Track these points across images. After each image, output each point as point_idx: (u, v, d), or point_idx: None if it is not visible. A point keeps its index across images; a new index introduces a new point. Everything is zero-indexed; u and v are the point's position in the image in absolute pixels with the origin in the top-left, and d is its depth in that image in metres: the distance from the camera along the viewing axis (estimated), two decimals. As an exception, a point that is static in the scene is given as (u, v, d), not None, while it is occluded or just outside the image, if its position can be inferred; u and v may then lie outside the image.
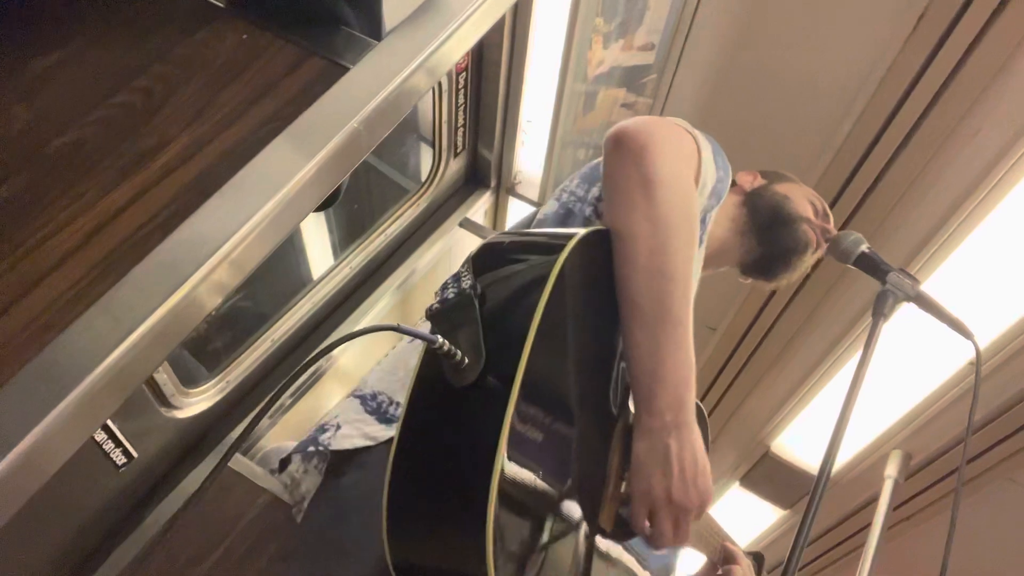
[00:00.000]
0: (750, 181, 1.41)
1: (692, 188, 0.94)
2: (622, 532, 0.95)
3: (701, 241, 1.19)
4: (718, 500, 3.14)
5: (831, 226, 1.38)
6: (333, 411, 1.14)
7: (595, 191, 1.16)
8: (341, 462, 1.08)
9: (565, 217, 1.15)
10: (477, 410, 0.73)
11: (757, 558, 1.40)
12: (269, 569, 1.49)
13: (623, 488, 0.93)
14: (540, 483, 0.78)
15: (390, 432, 1.03)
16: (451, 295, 0.79)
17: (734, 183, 1.40)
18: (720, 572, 1.26)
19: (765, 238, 1.32)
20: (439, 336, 0.72)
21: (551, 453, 0.80)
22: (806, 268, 1.39)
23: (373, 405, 1.10)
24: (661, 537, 0.89)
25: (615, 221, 0.90)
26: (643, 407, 0.88)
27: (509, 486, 0.70)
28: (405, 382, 0.98)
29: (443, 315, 0.78)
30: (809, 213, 1.36)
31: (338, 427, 1.08)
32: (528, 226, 1.24)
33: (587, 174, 1.22)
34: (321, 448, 1.07)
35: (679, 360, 0.86)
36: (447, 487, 0.73)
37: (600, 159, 1.12)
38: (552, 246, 0.81)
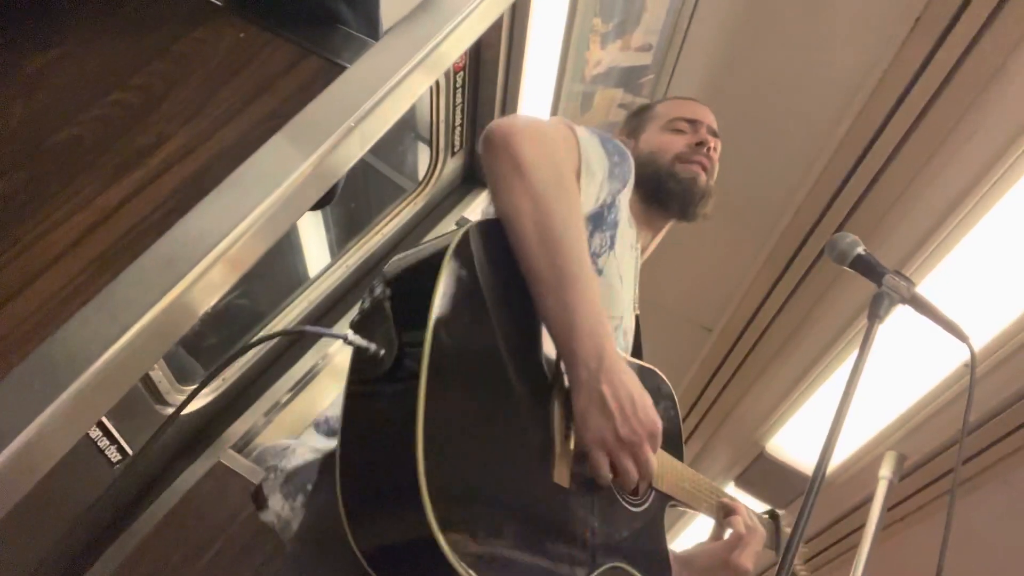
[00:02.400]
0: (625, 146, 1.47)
1: (562, 162, 1.03)
2: (587, 487, 0.99)
3: (618, 222, 1.24)
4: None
5: (700, 132, 1.43)
6: (294, 445, 1.21)
7: None
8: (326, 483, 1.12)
9: None
10: (397, 390, 0.80)
11: (772, 515, 1.42)
12: (264, 566, 1.49)
13: (572, 444, 0.98)
14: (471, 446, 0.84)
15: (333, 443, 1.05)
16: (366, 304, 0.87)
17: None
18: (725, 524, 1.30)
19: (661, 199, 1.41)
20: (348, 332, 0.81)
21: (478, 417, 0.86)
22: (713, 187, 1.45)
23: (326, 428, 1.18)
24: (627, 475, 0.94)
25: (500, 207, 0.99)
26: (570, 363, 0.94)
27: (437, 451, 0.76)
28: None
29: (362, 323, 0.86)
30: (674, 147, 1.42)
31: (294, 451, 1.18)
32: None
33: None
34: (280, 471, 1.16)
35: (587, 311, 0.93)
36: (383, 466, 0.80)
37: None
38: (442, 243, 0.89)
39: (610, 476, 0.94)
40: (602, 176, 1.15)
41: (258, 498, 1.31)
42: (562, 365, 0.98)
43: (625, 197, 1.28)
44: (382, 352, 0.81)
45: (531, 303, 0.96)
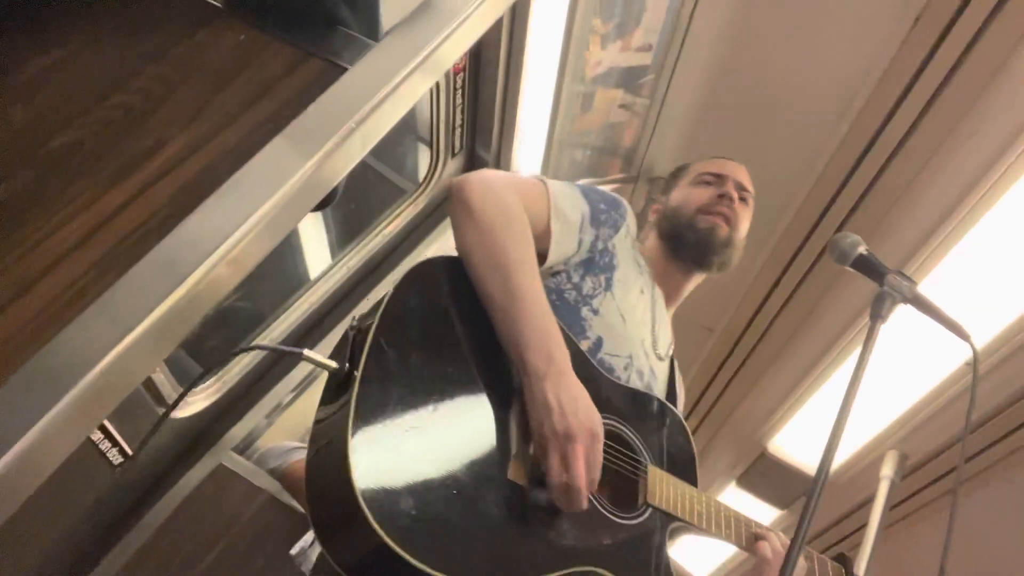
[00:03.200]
0: (655, 212, 1.58)
1: (507, 200, 1.15)
2: (542, 485, 1.03)
3: (615, 266, 1.34)
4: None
5: (725, 186, 1.49)
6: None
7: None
8: None
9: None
10: (341, 398, 0.92)
11: (841, 559, 1.43)
12: (266, 569, 1.49)
13: (531, 448, 1.04)
14: (409, 445, 0.93)
15: None
16: (349, 332, 1.00)
17: (648, 221, 1.59)
18: (753, 550, 1.31)
19: (683, 251, 1.48)
20: (305, 350, 0.94)
21: (417, 421, 0.95)
22: (740, 243, 1.51)
23: None
24: (572, 469, 0.98)
25: (457, 244, 1.13)
26: (522, 372, 1.04)
27: (370, 450, 0.87)
28: None
29: (337, 349, 1.01)
30: (698, 199, 1.49)
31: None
32: None
33: None
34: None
35: (535, 323, 1.04)
36: (328, 475, 0.88)
37: None
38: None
39: (559, 472, 0.99)
40: (579, 221, 1.28)
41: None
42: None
43: (625, 242, 1.38)
44: (334, 366, 0.94)
45: (489, 326, 1.08)
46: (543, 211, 1.23)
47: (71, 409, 0.61)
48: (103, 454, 1.36)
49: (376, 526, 0.83)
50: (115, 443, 1.38)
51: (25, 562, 1.34)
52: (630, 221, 1.40)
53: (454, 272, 1.11)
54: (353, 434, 0.87)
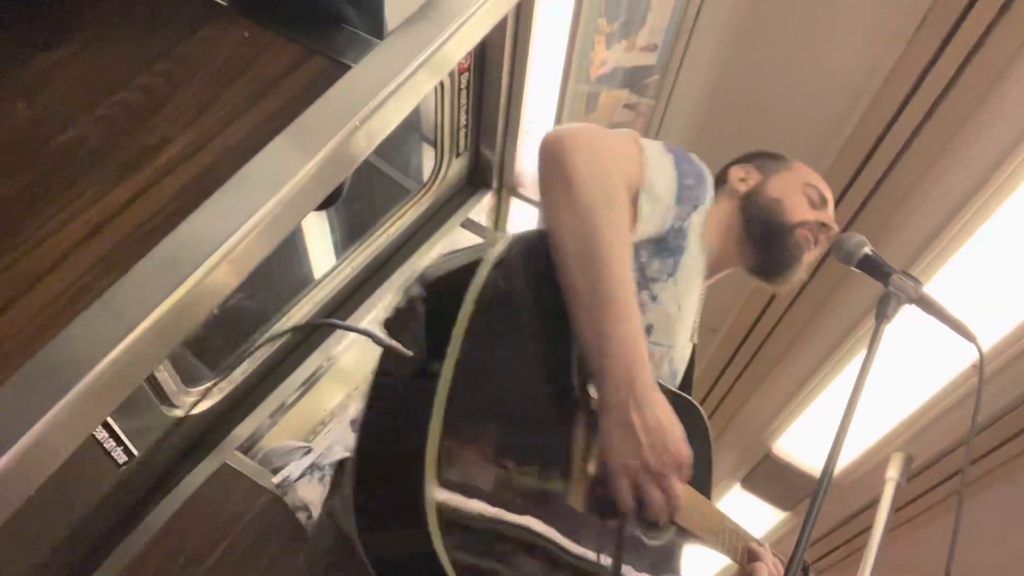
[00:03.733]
0: (742, 180, 1.38)
1: (615, 181, 0.99)
2: (604, 513, 0.96)
3: (684, 248, 1.19)
4: (719, 502, 3.14)
5: (829, 214, 1.36)
6: (332, 437, 1.24)
7: None
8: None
9: None
10: (419, 394, 0.79)
11: (804, 570, 1.37)
12: (270, 568, 1.49)
13: (591, 467, 0.95)
14: (486, 459, 0.83)
15: None
16: (402, 303, 0.86)
17: (725, 183, 1.38)
18: (748, 569, 1.25)
19: (761, 249, 1.33)
20: (377, 330, 0.81)
21: (495, 430, 0.85)
22: (808, 268, 1.38)
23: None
24: (653, 505, 0.90)
25: (546, 219, 0.97)
26: (599, 385, 0.91)
27: (450, 464, 0.77)
28: None
29: (394, 322, 0.85)
30: (804, 213, 1.33)
31: (331, 448, 1.17)
32: None
33: None
34: (319, 467, 1.18)
35: (623, 334, 0.90)
36: (394, 471, 0.80)
37: None
38: (484, 250, 0.88)
39: (631, 505, 0.90)
40: (669, 201, 1.12)
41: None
42: (590, 386, 0.96)
43: (698, 220, 1.22)
44: (409, 353, 0.81)
45: (566, 318, 0.94)
46: (634, 183, 1.09)
47: (74, 406, 0.61)
48: (108, 453, 1.36)
49: (441, 552, 0.75)
50: (120, 442, 1.38)
51: (29, 559, 1.34)
52: (709, 199, 1.24)
53: (539, 251, 0.96)
54: (436, 452, 0.75)
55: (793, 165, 1.42)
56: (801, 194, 1.36)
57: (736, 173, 1.39)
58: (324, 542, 1.25)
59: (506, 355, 0.88)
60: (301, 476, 1.37)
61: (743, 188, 1.36)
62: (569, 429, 0.95)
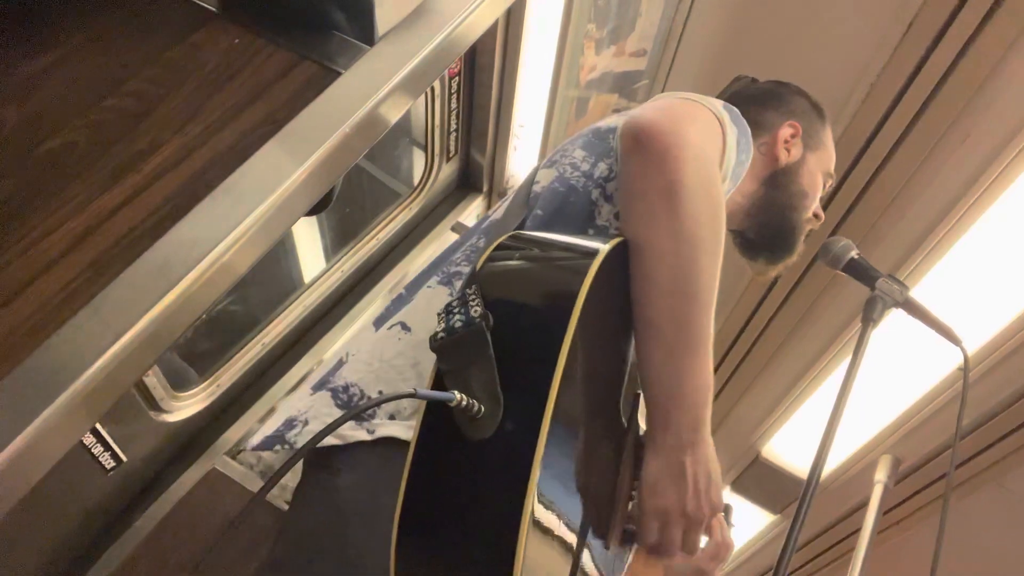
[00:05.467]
0: (786, 146, 1.24)
1: (720, 192, 0.85)
2: (624, 544, 0.93)
3: None
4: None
5: (820, 210, 1.31)
6: (303, 404, 1.04)
7: (602, 168, 1.02)
8: (327, 457, 0.98)
9: (566, 196, 1.01)
10: (497, 465, 0.66)
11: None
12: (259, 573, 1.48)
13: (631, 506, 0.89)
14: (564, 522, 0.74)
15: (359, 432, 0.95)
16: (458, 324, 0.71)
17: (766, 130, 1.25)
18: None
19: (765, 234, 1.27)
20: (455, 393, 0.65)
21: (571, 487, 0.75)
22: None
23: (344, 398, 1.00)
24: (671, 547, 0.86)
25: (634, 233, 0.82)
26: (658, 426, 0.83)
27: (534, 538, 0.65)
28: (380, 374, 0.98)
29: (452, 349, 0.71)
30: (814, 206, 1.28)
31: (306, 423, 1.01)
32: (524, 199, 1.06)
33: (591, 143, 1.06)
34: (288, 446, 1.00)
35: (698, 382, 0.82)
36: (466, 544, 0.68)
37: (606, 124, 1.07)
38: (571, 269, 0.72)
39: (653, 542, 0.86)
40: (727, 178, 0.97)
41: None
42: (640, 416, 0.89)
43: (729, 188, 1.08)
44: (483, 410, 0.66)
45: (627, 335, 0.85)
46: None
47: (63, 412, 0.61)
48: (96, 458, 1.36)
49: None
50: (108, 447, 1.37)
51: (17, 566, 1.33)
52: (745, 170, 1.08)
53: (619, 262, 0.81)
54: (533, 502, 0.64)
55: (825, 141, 1.30)
56: (821, 186, 1.29)
57: (785, 132, 1.24)
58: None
59: (581, 400, 0.75)
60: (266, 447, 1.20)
61: (783, 159, 1.23)
62: (616, 465, 0.87)
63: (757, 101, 1.28)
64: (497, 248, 0.79)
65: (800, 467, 2.70)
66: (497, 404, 0.66)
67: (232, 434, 1.70)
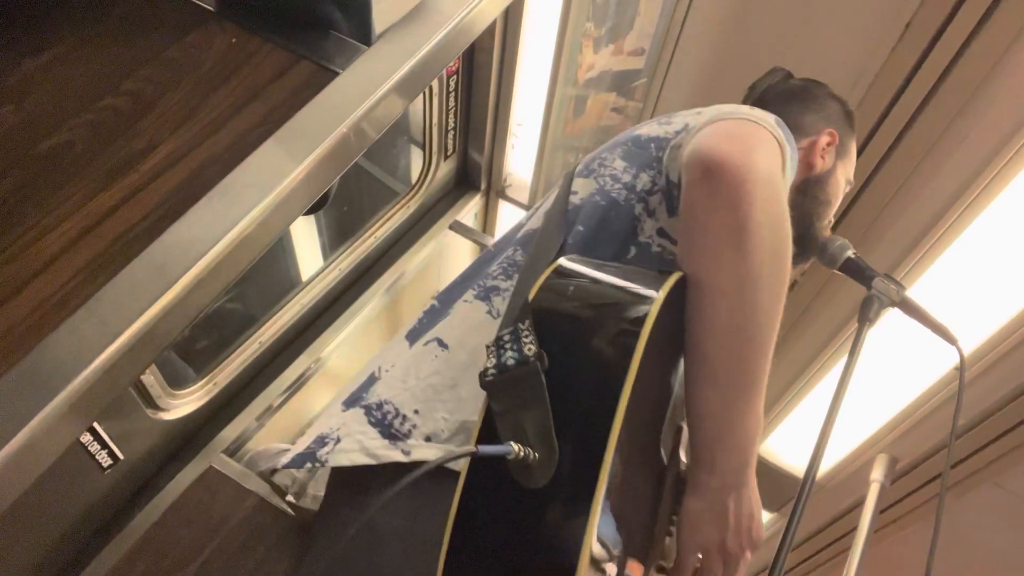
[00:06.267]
0: (820, 158, 1.21)
1: (788, 228, 0.81)
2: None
3: None
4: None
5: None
6: (335, 421, 1.01)
7: (644, 180, 0.99)
8: (360, 476, 0.96)
9: (608, 210, 0.98)
10: (552, 516, 0.63)
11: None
12: (255, 572, 1.48)
13: (668, 541, 0.87)
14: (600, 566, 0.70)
15: (394, 453, 0.92)
16: (511, 362, 0.67)
17: (806, 133, 1.23)
18: None
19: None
20: (513, 444, 0.62)
21: (621, 531, 0.71)
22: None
23: (378, 416, 0.97)
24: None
25: (696, 267, 0.79)
26: (703, 467, 0.81)
27: None
28: (416, 392, 0.95)
29: (503, 388, 0.67)
30: (832, 212, 1.27)
31: (337, 440, 0.98)
32: (563, 210, 1.03)
33: (632, 152, 1.03)
34: (319, 464, 0.98)
35: (749, 426, 0.79)
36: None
37: (647, 133, 1.03)
38: (629, 316, 0.69)
39: (690, 573, 0.84)
40: None
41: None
42: (682, 449, 0.87)
43: None
44: (537, 457, 0.63)
45: (674, 366, 0.82)
46: None
47: (60, 411, 0.61)
48: (93, 456, 1.36)
49: None
50: (105, 445, 1.37)
51: (14, 564, 1.33)
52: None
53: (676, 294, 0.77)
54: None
55: (851, 150, 1.29)
56: (841, 195, 1.28)
57: (824, 140, 1.21)
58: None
59: (632, 441, 0.71)
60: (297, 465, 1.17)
61: (818, 168, 1.21)
62: (655, 504, 0.83)
63: (795, 101, 1.28)
64: (548, 278, 0.76)
65: (797, 466, 2.70)
66: (552, 452, 0.63)
67: (229, 432, 1.70)
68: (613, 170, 1.02)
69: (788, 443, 2.65)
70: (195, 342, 1.76)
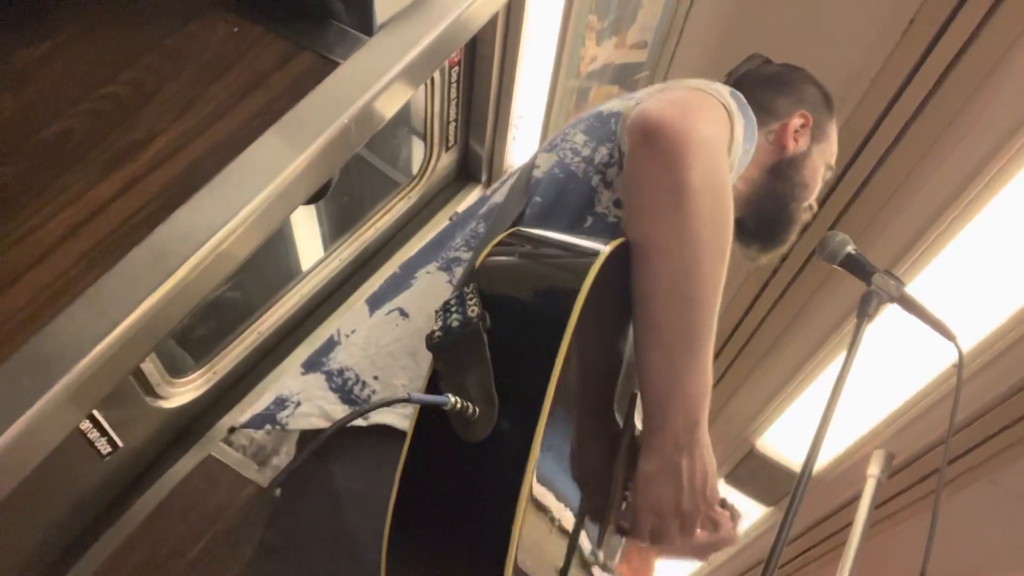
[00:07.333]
0: (793, 140, 1.21)
1: (729, 193, 0.82)
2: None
3: None
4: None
5: (814, 202, 1.30)
6: (296, 384, 1.02)
7: (603, 153, 1.00)
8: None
9: (566, 182, 1.00)
10: (492, 466, 0.65)
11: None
12: (255, 560, 1.49)
13: (625, 505, 0.89)
14: (559, 515, 0.74)
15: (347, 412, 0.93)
16: (455, 324, 0.69)
17: (776, 117, 1.23)
18: None
19: (761, 222, 1.25)
20: (450, 396, 0.65)
21: (566, 485, 0.74)
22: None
23: (339, 382, 0.99)
24: (668, 540, 0.86)
25: (637, 230, 0.81)
26: (654, 428, 0.82)
27: (529, 526, 0.65)
28: (375, 360, 0.97)
29: (447, 349, 0.69)
30: (813, 196, 1.27)
31: (298, 404, 0.99)
32: (525, 184, 1.04)
33: (593, 127, 1.04)
34: (279, 426, 0.99)
35: (696, 385, 0.81)
36: (459, 539, 0.67)
37: (608, 108, 1.05)
38: (571, 269, 0.70)
39: (646, 536, 0.85)
40: (732, 176, 0.92)
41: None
42: (636, 415, 0.87)
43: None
44: (478, 412, 0.65)
45: (624, 333, 0.84)
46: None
47: (59, 399, 0.61)
48: (92, 443, 1.36)
49: None
50: (104, 433, 1.38)
51: (13, 551, 1.34)
52: (750, 158, 1.04)
53: (621, 260, 0.79)
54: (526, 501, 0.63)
55: (830, 134, 1.29)
56: (822, 179, 1.28)
57: (796, 121, 1.22)
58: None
59: (576, 401, 0.74)
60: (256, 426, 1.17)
61: (791, 149, 1.21)
62: (613, 461, 0.85)
63: (770, 85, 1.28)
64: (496, 245, 0.78)
65: (794, 460, 2.71)
66: (492, 406, 0.65)
67: (228, 421, 1.71)
68: (574, 144, 1.04)
69: (786, 437, 2.66)
70: (195, 331, 1.76)
